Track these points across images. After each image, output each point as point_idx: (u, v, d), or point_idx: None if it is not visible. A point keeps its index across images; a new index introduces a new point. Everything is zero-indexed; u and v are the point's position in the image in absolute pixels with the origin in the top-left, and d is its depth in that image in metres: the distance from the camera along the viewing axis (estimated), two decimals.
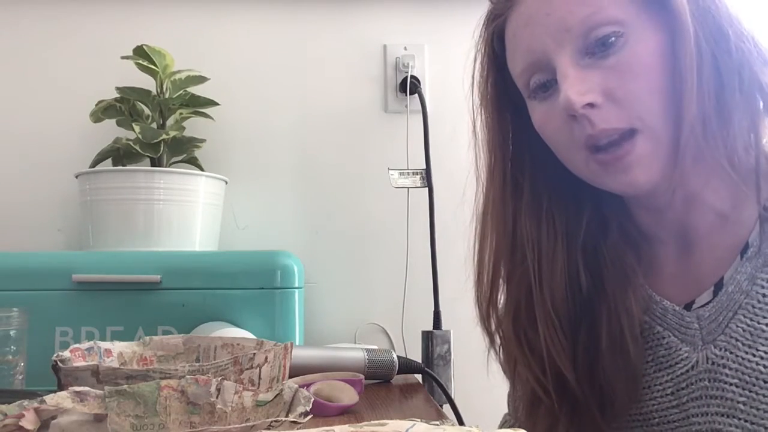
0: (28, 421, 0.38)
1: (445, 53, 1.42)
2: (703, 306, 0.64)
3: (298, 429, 0.41)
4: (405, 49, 1.41)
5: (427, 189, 1.29)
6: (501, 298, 0.74)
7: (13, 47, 1.37)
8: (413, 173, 1.31)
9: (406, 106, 1.38)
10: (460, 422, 1.02)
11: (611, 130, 0.60)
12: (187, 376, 0.48)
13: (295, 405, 0.44)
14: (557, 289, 0.68)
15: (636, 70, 0.60)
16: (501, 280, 0.72)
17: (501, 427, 0.84)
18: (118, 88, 1.24)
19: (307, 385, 0.72)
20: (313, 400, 0.44)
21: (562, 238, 0.69)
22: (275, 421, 0.39)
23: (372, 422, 0.34)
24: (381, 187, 1.34)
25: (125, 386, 0.46)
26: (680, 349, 0.65)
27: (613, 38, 0.60)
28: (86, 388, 0.45)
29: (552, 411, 0.69)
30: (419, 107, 1.35)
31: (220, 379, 0.48)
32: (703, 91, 0.59)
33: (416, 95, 1.37)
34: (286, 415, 0.43)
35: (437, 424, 0.35)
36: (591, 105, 0.60)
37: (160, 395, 0.47)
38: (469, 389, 1.19)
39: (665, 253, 0.69)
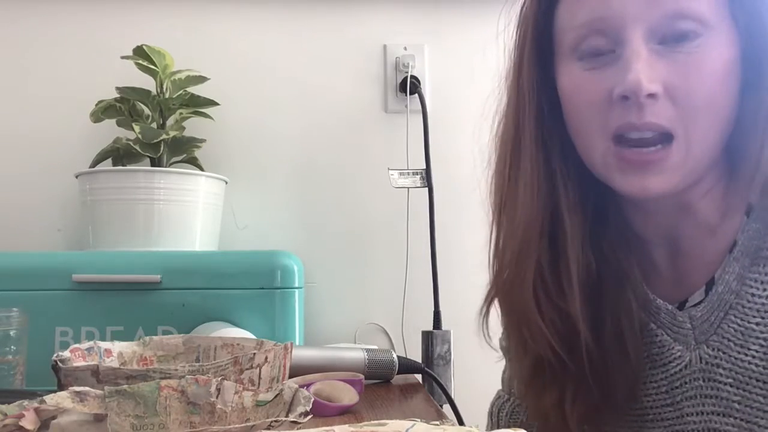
0: (28, 421, 0.38)
1: (445, 53, 1.42)
2: (695, 305, 0.64)
3: (298, 429, 0.41)
4: (405, 49, 1.41)
5: (427, 189, 1.30)
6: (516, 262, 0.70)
7: (13, 47, 1.37)
8: (413, 173, 1.31)
9: (406, 106, 1.38)
10: (460, 422, 1.02)
11: (654, 126, 0.57)
12: (187, 376, 0.48)
13: (295, 405, 0.44)
14: (576, 264, 0.65)
15: (704, 73, 0.57)
16: (532, 244, 0.67)
17: (495, 402, 0.84)
18: (118, 88, 1.24)
19: (307, 385, 0.72)
20: (313, 400, 0.44)
21: (581, 215, 0.66)
22: (275, 421, 0.39)
23: (372, 422, 0.34)
24: (381, 187, 1.35)
25: (125, 386, 0.46)
26: (673, 347, 0.65)
27: (692, 34, 0.57)
28: (86, 388, 0.45)
29: (558, 380, 0.67)
30: (419, 107, 1.35)
31: (220, 379, 0.48)
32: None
33: (416, 95, 1.37)
34: (286, 415, 0.43)
35: (437, 424, 0.35)
36: (652, 95, 0.57)
37: (160, 395, 0.47)
38: (469, 389, 1.19)
39: (657, 254, 0.68)
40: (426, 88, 1.39)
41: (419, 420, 0.35)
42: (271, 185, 1.39)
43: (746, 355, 0.60)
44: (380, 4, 1.42)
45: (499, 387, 0.85)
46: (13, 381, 0.81)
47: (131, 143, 1.20)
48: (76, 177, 1.21)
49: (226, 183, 1.28)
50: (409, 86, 1.37)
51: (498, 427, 0.82)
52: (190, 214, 1.19)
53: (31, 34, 1.38)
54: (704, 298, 0.63)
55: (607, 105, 0.59)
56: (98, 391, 0.45)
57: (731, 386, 0.61)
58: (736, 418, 0.61)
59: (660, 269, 0.68)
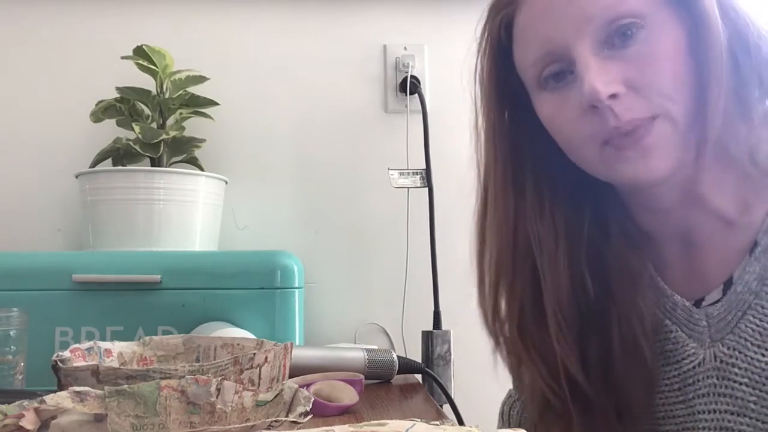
0: (28, 421, 0.38)
1: (445, 53, 1.42)
2: (712, 304, 0.64)
3: (298, 429, 0.41)
4: (405, 49, 1.41)
5: (427, 189, 1.30)
6: (503, 302, 0.72)
7: (13, 47, 1.37)
8: (413, 173, 1.31)
9: (406, 106, 1.38)
10: (460, 422, 1.02)
11: (634, 121, 0.59)
12: (187, 376, 0.48)
13: (295, 405, 0.44)
14: (562, 292, 0.67)
15: (657, 59, 0.59)
16: (503, 285, 0.71)
17: (506, 401, 0.84)
18: (118, 88, 1.24)
19: (307, 385, 0.72)
20: (313, 400, 0.44)
21: (564, 239, 0.68)
22: (275, 421, 0.39)
23: (372, 422, 0.34)
24: (381, 187, 1.35)
25: (125, 386, 0.46)
26: (687, 344, 0.65)
27: (633, 29, 0.59)
28: (86, 388, 0.45)
29: (564, 415, 0.68)
30: (419, 107, 1.35)
31: (220, 379, 0.48)
32: (726, 86, 0.59)
33: (416, 95, 1.37)
34: (286, 415, 0.43)
35: (437, 424, 0.35)
36: (614, 96, 0.59)
37: (160, 395, 0.47)
38: (469, 389, 1.19)
39: (671, 252, 0.68)
40: (426, 88, 1.39)
41: (419, 420, 0.35)
42: (271, 185, 1.39)
43: (763, 355, 0.60)
44: (380, 4, 1.42)
45: (505, 387, 0.85)
46: (13, 381, 0.81)
47: (131, 143, 1.20)
48: (76, 177, 1.21)
49: (226, 183, 1.28)
50: (409, 86, 1.37)
51: (509, 427, 0.82)
52: (190, 214, 1.19)
53: (31, 34, 1.38)
54: (722, 297, 0.63)
55: (584, 118, 0.61)
56: (98, 391, 0.45)
57: (746, 386, 0.61)
58: (751, 417, 0.60)
59: (673, 266, 0.68)
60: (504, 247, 0.70)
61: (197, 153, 1.29)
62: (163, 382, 0.47)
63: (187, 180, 1.19)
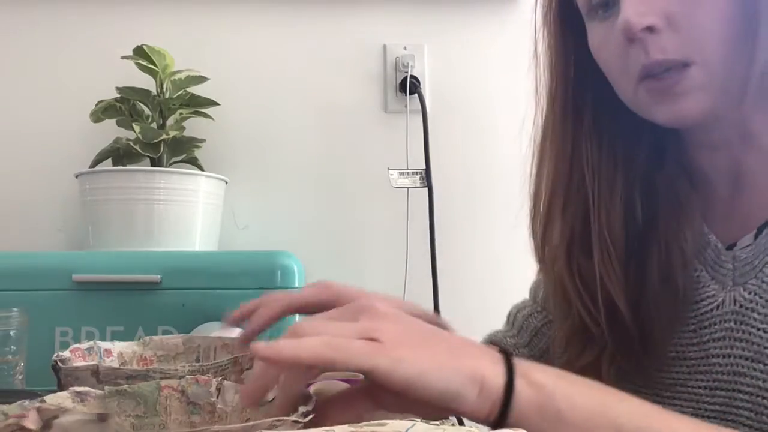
0: (31, 421, 0.38)
1: (445, 53, 1.42)
2: (743, 248, 0.62)
3: (298, 429, 0.41)
4: (405, 49, 1.41)
5: (426, 189, 1.30)
6: (553, 224, 0.71)
7: (13, 47, 1.37)
8: (413, 173, 1.31)
9: (406, 106, 1.38)
10: (460, 422, 1.02)
11: (663, 62, 0.57)
12: (188, 376, 0.48)
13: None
14: (615, 217, 0.66)
15: None
16: (556, 206, 0.69)
17: (517, 305, 0.84)
18: (118, 88, 1.24)
19: (308, 385, 0.72)
20: (314, 399, 0.44)
21: (622, 164, 0.67)
22: (277, 420, 0.39)
23: (372, 422, 0.34)
24: (381, 187, 1.35)
25: (125, 386, 0.46)
26: (708, 286, 0.63)
27: None
28: (86, 389, 0.45)
29: (597, 339, 0.66)
30: (419, 107, 1.35)
31: (220, 379, 0.48)
32: None
33: (416, 95, 1.37)
34: (287, 415, 0.43)
35: (437, 425, 0.35)
36: (650, 29, 0.57)
37: (160, 395, 0.47)
38: None
39: (717, 192, 0.66)
40: (426, 88, 1.39)
41: (419, 420, 0.35)
42: (271, 185, 1.39)
43: None
44: (380, 4, 1.42)
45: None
46: (13, 381, 0.81)
47: (131, 143, 1.20)
48: (76, 177, 1.21)
49: (226, 183, 1.28)
50: (409, 86, 1.37)
51: (513, 327, 0.82)
52: (190, 214, 1.19)
53: (31, 34, 1.38)
54: (753, 242, 0.62)
55: (624, 51, 0.60)
56: (98, 391, 0.45)
57: (764, 332, 0.59)
58: (765, 364, 0.58)
59: (716, 207, 0.66)
60: (560, 170, 0.69)
61: (197, 153, 1.29)
62: (164, 382, 0.47)
63: (187, 180, 1.19)
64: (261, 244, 1.35)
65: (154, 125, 1.25)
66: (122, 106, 1.24)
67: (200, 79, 1.26)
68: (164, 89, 1.25)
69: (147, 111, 1.26)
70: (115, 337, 1.00)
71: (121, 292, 1.01)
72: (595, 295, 0.66)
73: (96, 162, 1.25)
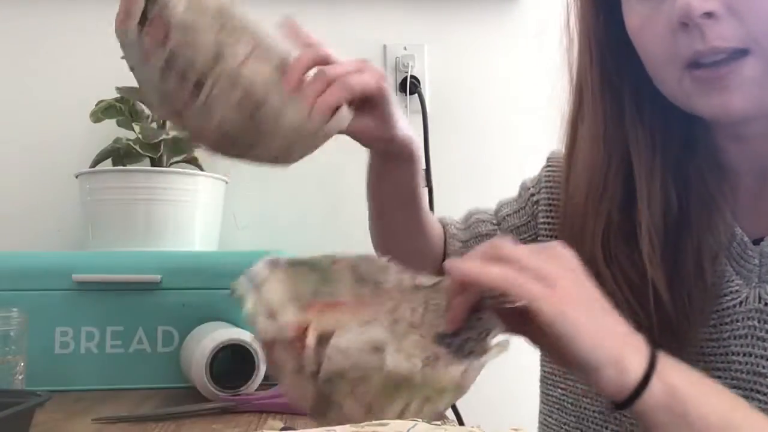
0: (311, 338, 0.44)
1: (445, 53, 1.42)
2: None
3: (301, 430, 0.41)
4: (405, 49, 1.41)
5: (427, 189, 1.29)
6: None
7: (13, 47, 1.37)
8: None
9: (406, 106, 1.38)
10: (460, 422, 1.02)
11: (722, 50, 0.54)
12: (361, 254, 0.56)
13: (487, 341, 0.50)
14: (656, 205, 0.63)
15: None
16: (592, 194, 0.66)
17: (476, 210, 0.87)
18: (118, 88, 1.24)
19: None
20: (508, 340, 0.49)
21: (660, 150, 0.64)
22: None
23: (373, 422, 0.34)
24: None
25: (306, 258, 0.55)
26: (732, 281, 0.61)
27: None
28: (278, 257, 0.54)
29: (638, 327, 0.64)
30: (419, 107, 1.35)
31: (385, 259, 0.56)
32: None
33: (416, 95, 1.37)
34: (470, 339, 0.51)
35: (438, 424, 0.35)
36: (710, 14, 0.54)
37: (333, 268, 0.55)
38: (470, 389, 1.19)
39: (745, 185, 0.64)
40: (426, 88, 1.39)
41: (420, 420, 0.35)
42: (271, 185, 1.39)
43: None
44: (380, 4, 1.42)
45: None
46: (13, 381, 0.81)
47: (131, 143, 1.20)
48: (76, 177, 1.21)
49: (226, 183, 1.28)
50: (409, 86, 1.37)
51: (465, 222, 0.89)
52: (190, 214, 1.19)
53: (31, 34, 1.38)
54: None
55: (672, 36, 0.57)
56: (288, 258, 0.54)
57: None
58: None
59: (744, 200, 0.64)
60: (596, 153, 0.65)
61: (197, 153, 1.29)
62: (338, 257, 0.55)
63: (187, 180, 1.19)
64: (261, 244, 1.35)
65: (154, 125, 1.25)
66: (122, 106, 1.24)
67: None
68: None
69: (147, 111, 1.26)
70: (115, 337, 1.00)
71: (121, 292, 1.01)
72: (634, 283, 0.63)
73: (96, 162, 1.25)
